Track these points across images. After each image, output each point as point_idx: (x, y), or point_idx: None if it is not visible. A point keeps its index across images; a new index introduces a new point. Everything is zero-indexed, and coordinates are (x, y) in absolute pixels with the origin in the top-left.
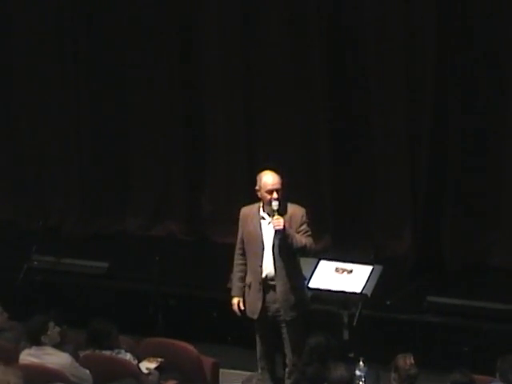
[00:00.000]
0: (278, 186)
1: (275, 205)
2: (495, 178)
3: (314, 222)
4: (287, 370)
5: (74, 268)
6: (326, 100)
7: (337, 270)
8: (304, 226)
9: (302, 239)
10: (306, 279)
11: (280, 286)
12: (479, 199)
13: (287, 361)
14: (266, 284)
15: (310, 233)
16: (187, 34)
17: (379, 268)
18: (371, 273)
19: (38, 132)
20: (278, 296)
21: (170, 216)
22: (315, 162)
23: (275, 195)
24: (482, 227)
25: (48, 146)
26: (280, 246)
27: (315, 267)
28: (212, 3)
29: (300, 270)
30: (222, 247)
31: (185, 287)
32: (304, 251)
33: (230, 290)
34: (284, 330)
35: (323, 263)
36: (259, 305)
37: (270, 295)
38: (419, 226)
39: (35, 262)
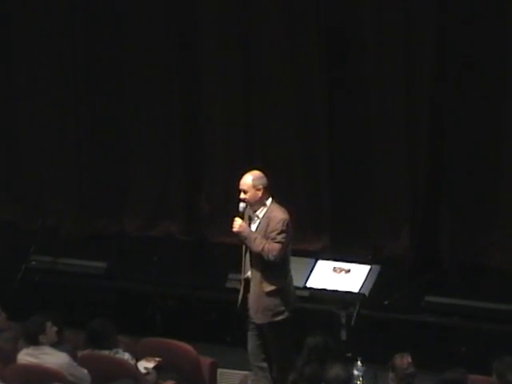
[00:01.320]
0: (242, 186)
1: (241, 206)
2: (493, 179)
3: (313, 221)
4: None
5: (72, 268)
6: (324, 100)
7: (335, 269)
8: (273, 234)
9: (260, 245)
10: (290, 284)
11: (253, 288)
12: (477, 200)
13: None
14: (247, 285)
15: (278, 240)
16: (186, 34)
17: (377, 268)
18: (369, 272)
19: (36, 132)
20: (250, 299)
21: (169, 216)
22: (313, 162)
23: (242, 196)
24: (480, 228)
25: (47, 146)
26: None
27: (313, 267)
28: (212, 4)
29: (281, 274)
30: (221, 247)
31: (183, 287)
32: (261, 256)
33: (228, 289)
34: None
35: (321, 263)
36: (239, 299)
37: (249, 297)
38: (417, 226)
39: (33, 262)
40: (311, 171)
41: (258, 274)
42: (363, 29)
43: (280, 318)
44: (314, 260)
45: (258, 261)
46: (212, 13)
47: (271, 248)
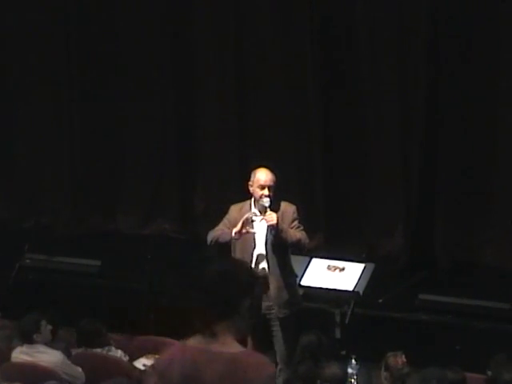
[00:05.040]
0: (270, 182)
1: (266, 201)
2: (487, 178)
3: (307, 220)
4: (278, 367)
5: (66, 266)
6: (318, 99)
7: (329, 267)
8: (296, 222)
9: (296, 234)
10: (297, 276)
11: (273, 282)
12: (471, 198)
13: (278, 359)
14: None
15: (302, 228)
16: (181, 34)
17: (371, 266)
18: (363, 271)
19: (30, 131)
20: (271, 293)
21: (163, 215)
22: (307, 161)
23: (266, 192)
24: (474, 226)
25: (40, 145)
26: (273, 243)
27: (307, 265)
28: (207, 2)
29: (292, 268)
30: (215, 246)
31: (177, 286)
32: (299, 246)
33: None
34: (275, 328)
35: (315, 261)
36: None
37: (268, 292)
38: (411, 225)
39: (28, 261)
40: (305, 170)
41: (277, 268)
42: (358, 28)
43: (297, 308)
44: (308, 258)
45: (279, 254)
46: (206, 11)
47: (304, 236)
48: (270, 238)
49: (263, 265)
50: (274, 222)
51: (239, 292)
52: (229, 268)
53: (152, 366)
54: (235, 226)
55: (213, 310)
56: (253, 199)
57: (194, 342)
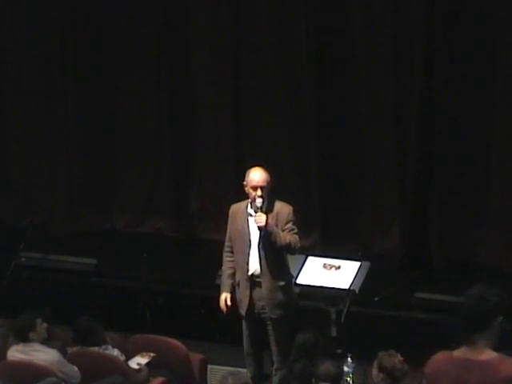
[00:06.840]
0: (262, 183)
1: (259, 202)
2: (482, 177)
3: (303, 218)
4: (274, 367)
5: (62, 265)
6: (314, 100)
7: (325, 266)
8: (289, 224)
9: (286, 237)
10: (293, 277)
11: (266, 283)
12: (466, 197)
13: (273, 358)
14: (253, 281)
15: (295, 231)
16: (176, 34)
17: (367, 264)
18: (359, 269)
19: (25, 130)
20: (264, 294)
21: (158, 213)
22: (303, 159)
23: (259, 192)
24: (470, 225)
25: (36, 143)
26: (265, 244)
27: (303, 263)
28: (203, 2)
29: (287, 268)
30: (210, 244)
31: (173, 284)
32: (288, 249)
33: (218, 286)
34: (270, 328)
35: (311, 259)
36: (247, 301)
37: (256, 292)
38: (407, 223)
39: (23, 259)
40: (301, 168)
41: (270, 270)
42: (354, 29)
43: (293, 310)
44: (304, 256)
45: (273, 255)
46: (201, 11)
47: (295, 240)
48: (261, 238)
49: (257, 265)
50: (263, 223)
51: (492, 311)
52: (483, 293)
53: (423, 372)
54: (233, 228)
55: (473, 325)
56: (250, 199)
57: (458, 352)
